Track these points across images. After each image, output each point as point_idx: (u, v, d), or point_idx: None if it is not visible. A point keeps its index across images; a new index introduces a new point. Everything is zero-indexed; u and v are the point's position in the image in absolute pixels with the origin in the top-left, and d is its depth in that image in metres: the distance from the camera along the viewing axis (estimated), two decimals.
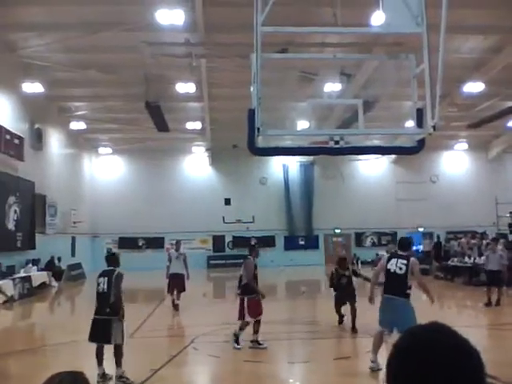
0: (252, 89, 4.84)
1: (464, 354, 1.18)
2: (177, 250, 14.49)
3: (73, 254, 25.96)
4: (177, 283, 13.67)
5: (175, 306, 13.64)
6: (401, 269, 6.77)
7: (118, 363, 6.55)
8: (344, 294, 10.29)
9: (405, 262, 6.81)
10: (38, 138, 21.74)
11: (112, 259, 7.24)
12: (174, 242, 15.90)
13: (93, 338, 6.62)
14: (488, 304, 12.97)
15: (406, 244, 7.32)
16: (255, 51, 4.62)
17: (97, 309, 6.72)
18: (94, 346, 6.68)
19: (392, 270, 6.83)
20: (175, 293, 13.67)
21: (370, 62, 16.18)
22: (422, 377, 1.14)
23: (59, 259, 22.15)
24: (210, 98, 20.69)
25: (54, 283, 20.78)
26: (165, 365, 7.60)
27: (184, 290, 13.79)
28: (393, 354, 1.22)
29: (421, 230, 30.83)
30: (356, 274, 10.73)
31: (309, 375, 7.65)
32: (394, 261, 6.90)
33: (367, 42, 15.69)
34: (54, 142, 24.42)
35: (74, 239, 26.31)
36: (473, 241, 21.33)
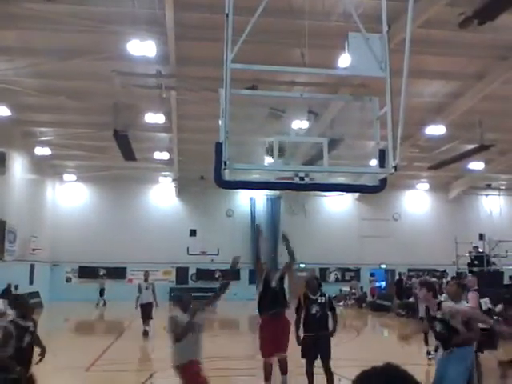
0: (220, 123, 4.92)
1: None
2: (145, 280, 15.76)
3: (31, 282, 25.19)
4: (148, 312, 14.96)
5: (145, 333, 14.77)
6: None
7: None
8: (316, 335, 7.28)
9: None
10: (1, 162, 21.30)
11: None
12: (140, 272, 18.46)
13: None
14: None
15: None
16: (224, 87, 4.72)
17: None
18: (48, 379, 6.45)
19: None
20: (146, 322, 14.91)
21: (336, 102, 16.63)
22: None
23: (16, 287, 21.43)
24: (178, 129, 20.77)
25: (10, 311, 20.05)
26: None
27: (151, 317, 15.04)
28: None
29: (383, 266, 31.24)
30: (332, 309, 7.70)
31: None
32: None
33: (334, 83, 16.17)
34: (18, 166, 23.95)
35: (32, 267, 25.57)
36: (433, 279, 21.69)
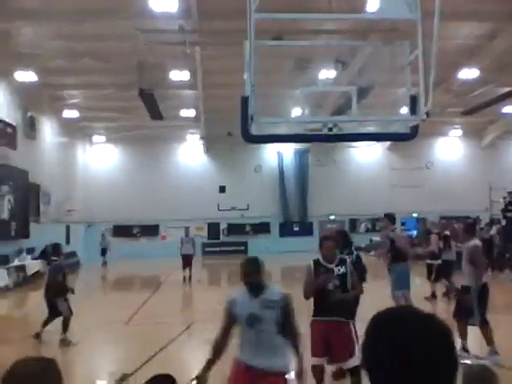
0: (245, 76, 4.82)
1: (441, 334, 1.24)
2: (186, 235, 18.59)
3: (67, 243, 25.94)
4: (188, 262, 17.36)
5: (189, 279, 17.23)
6: None
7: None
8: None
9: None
10: (31, 127, 21.60)
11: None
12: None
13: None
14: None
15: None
16: (248, 38, 4.60)
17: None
18: (88, 333, 6.72)
19: None
20: (187, 270, 17.25)
21: (364, 50, 16.11)
22: (401, 350, 1.18)
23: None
24: (204, 85, 20.57)
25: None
26: (160, 351, 7.66)
27: (192, 266, 17.49)
28: (367, 336, 1.26)
29: (414, 215, 30.98)
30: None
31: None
32: None
33: (362, 29, 15.60)
34: (48, 130, 24.28)
35: (68, 228, 26.27)
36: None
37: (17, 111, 20.24)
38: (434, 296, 12.29)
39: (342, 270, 5.40)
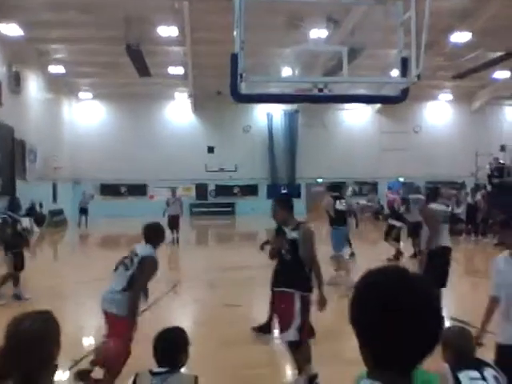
0: (235, 33, 4.72)
1: (427, 288, 1.27)
2: (173, 195, 18.04)
3: (54, 200, 25.84)
4: (175, 223, 16.60)
5: (176, 241, 16.52)
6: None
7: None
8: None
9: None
10: (16, 82, 21.13)
11: None
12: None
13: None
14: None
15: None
16: None
17: None
18: (74, 289, 6.76)
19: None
20: (174, 231, 16.49)
21: (357, 8, 15.81)
22: (383, 309, 1.21)
23: (41, 205, 22.04)
24: (192, 42, 20.15)
25: (36, 229, 20.76)
26: (146, 309, 7.75)
27: (179, 227, 16.81)
28: (356, 292, 1.28)
29: (401, 179, 31.19)
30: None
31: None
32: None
33: None
34: (33, 85, 23.78)
35: (55, 185, 26.11)
36: (451, 191, 21.69)
37: (1, 66, 19.74)
38: (396, 257, 12.52)
39: (294, 234, 4.87)
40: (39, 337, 1.88)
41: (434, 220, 6.98)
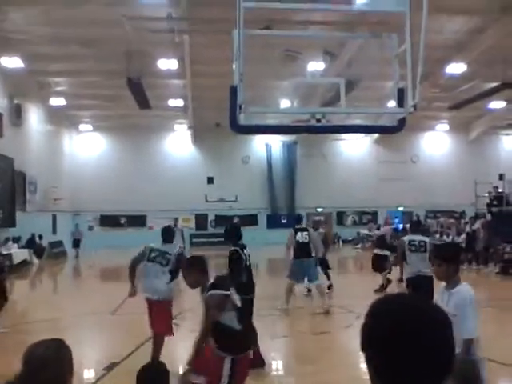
0: (234, 66, 4.81)
1: (437, 320, 1.24)
2: (175, 225, 17.64)
3: (54, 232, 25.80)
4: None
5: None
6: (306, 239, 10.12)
7: None
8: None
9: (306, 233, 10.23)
10: (17, 114, 21.38)
11: None
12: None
13: None
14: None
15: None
16: (237, 27, 4.58)
17: None
18: (75, 323, 6.71)
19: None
20: None
21: (352, 42, 16.13)
22: (395, 335, 1.19)
23: (40, 237, 22.00)
24: (192, 74, 20.48)
25: (35, 261, 20.68)
26: (147, 340, 7.66)
27: None
28: (368, 317, 1.28)
29: (400, 209, 31.22)
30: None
31: (288, 349, 7.79)
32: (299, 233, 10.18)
33: (351, 21, 15.60)
34: (34, 118, 24.04)
35: (54, 217, 26.11)
36: (451, 220, 21.70)
37: (3, 98, 20.00)
38: (384, 286, 12.42)
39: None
40: (53, 363, 1.96)
41: (399, 251, 8.19)
